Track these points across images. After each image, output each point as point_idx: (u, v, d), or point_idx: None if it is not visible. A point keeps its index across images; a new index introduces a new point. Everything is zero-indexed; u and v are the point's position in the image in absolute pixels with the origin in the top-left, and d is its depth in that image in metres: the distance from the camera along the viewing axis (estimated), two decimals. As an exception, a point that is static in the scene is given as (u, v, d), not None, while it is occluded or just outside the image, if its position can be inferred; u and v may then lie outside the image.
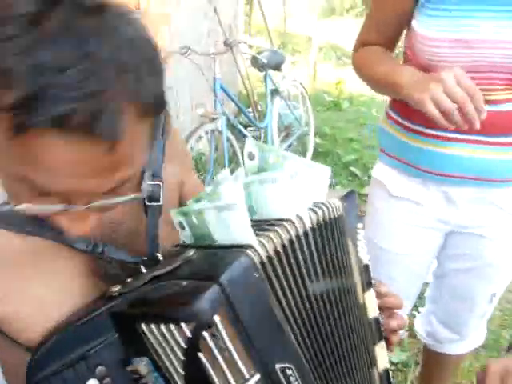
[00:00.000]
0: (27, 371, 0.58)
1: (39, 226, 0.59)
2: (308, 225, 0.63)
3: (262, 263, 0.57)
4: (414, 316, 1.70)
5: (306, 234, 0.63)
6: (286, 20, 7.66)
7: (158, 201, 0.69)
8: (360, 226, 0.74)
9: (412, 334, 1.97)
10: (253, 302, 0.55)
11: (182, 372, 0.55)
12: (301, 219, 0.63)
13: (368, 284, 0.73)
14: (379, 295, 0.76)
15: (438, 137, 1.13)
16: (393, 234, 1.32)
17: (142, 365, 0.58)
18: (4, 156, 0.48)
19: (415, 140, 1.18)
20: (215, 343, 0.51)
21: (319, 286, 0.64)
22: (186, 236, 0.68)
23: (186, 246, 0.66)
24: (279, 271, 0.59)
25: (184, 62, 2.84)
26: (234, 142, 3.12)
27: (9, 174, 0.50)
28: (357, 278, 0.71)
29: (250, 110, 3.81)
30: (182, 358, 0.54)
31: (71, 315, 0.62)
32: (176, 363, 0.56)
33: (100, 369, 0.59)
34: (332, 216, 0.67)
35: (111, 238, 0.66)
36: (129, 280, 0.62)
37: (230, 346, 0.52)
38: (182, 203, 0.78)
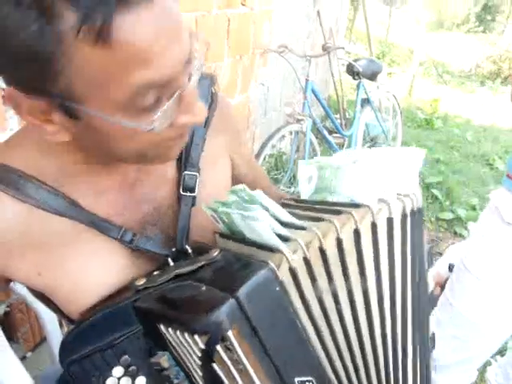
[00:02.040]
0: (60, 351, 0.59)
1: (75, 209, 0.60)
2: (379, 215, 0.61)
3: (291, 270, 0.55)
4: (490, 363, 1.57)
5: (374, 225, 0.61)
6: (390, 30, 7.46)
7: (193, 191, 0.68)
8: None
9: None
10: (271, 317, 0.53)
11: (200, 373, 0.55)
12: (369, 208, 0.60)
13: (430, 264, 0.80)
14: None
15: None
16: (495, 264, 1.21)
17: (163, 358, 0.59)
18: None
19: None
20: (229, 356, 0.50)
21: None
22: (222, 228, 0.67)
23: (223, 236, 0.65)
24: (320, 272, 0.58)
25: (279, 60, 2.86)
26: (317, 146, 3.10)
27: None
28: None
29: (338, 116, 3.77)
30: (198, 362, 0.54)
31: (106, 300, 0.63)
32: (194, 365, 0.55)
33: (125, 358, 0.60)
34: (416, 206, 0.67)
35: (151, 224, 0.66)
36: (155, 273, 0.62)
37: (245, 361, 0.51)
38: (236, 175, 0.80)
